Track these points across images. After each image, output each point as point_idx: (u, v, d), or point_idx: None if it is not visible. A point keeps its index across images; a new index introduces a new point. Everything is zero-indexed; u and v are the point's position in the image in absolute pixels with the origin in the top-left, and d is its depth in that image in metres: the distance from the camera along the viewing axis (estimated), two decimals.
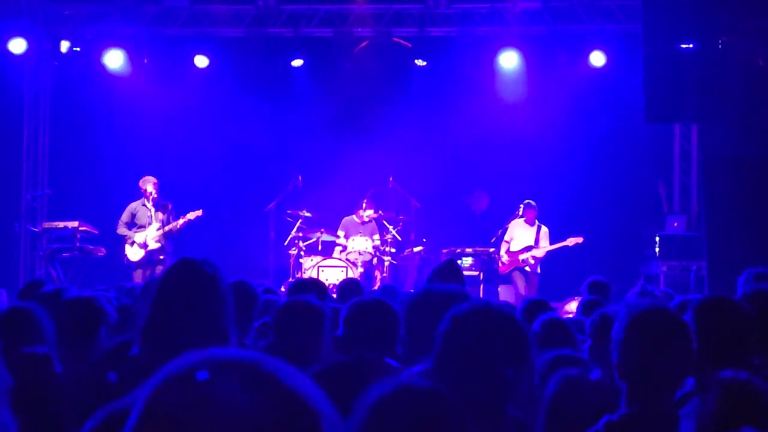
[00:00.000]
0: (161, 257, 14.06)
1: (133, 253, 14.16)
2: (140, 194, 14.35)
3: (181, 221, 14.13)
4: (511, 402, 2.84)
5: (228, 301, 3.41)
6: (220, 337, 3.31)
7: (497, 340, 2.78)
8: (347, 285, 7.83)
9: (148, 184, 14.22)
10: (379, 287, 11.68)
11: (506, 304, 8.04)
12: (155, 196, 14.22)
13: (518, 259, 14.94)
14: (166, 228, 14.08)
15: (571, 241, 14.82)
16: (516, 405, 2.89)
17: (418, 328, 3.50)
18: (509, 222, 15.17)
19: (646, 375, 3.17)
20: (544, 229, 15.09)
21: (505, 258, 15.03)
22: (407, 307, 3.57)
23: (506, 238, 15.14)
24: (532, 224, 15.03)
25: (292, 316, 4.49)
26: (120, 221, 14.30)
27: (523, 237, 15.04)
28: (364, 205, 15.39)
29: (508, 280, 15.14)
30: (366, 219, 15.40)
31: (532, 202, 15.01)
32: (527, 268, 14.93)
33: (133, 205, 14.35)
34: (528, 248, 14.93)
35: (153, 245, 14.07)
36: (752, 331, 3.95)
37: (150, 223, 14.14)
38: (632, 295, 7.40)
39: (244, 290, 5.22)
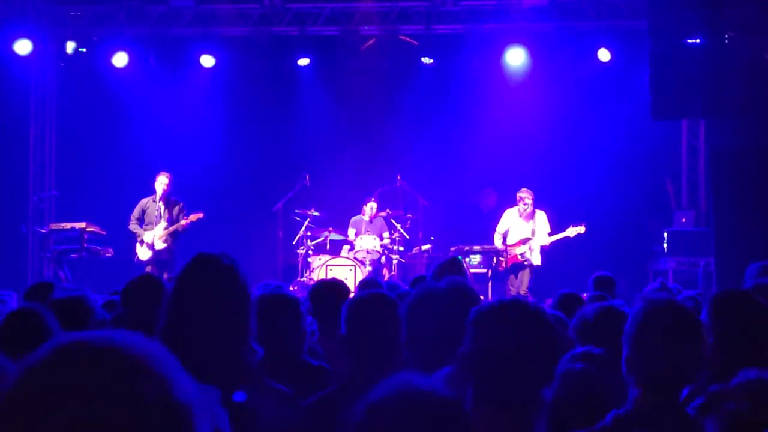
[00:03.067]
0: (168, 257, 14.00)
1: (142, 253, 14.11)
2: (152, 191, 14.27)
3: (183, 222, 14.04)
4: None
5: (248, 295, 3.26)
6: (242, 334, 3.19)
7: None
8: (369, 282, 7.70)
9: (158, 181, 14.13)
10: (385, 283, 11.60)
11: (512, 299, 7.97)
12: (164, 190, 14.06)
13: (516, 255, 14.40)
14: (171, 228, 14.03)
15: (572, 232, 14.18)
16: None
17: (419, 330, 3.43)
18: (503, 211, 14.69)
19: (656, 370, 3.14)
20: (541, 215, 14.49)
21: (503, 256, 14.43)
22: (408, 307, 3.50)
23: (499, 229, 14.56)
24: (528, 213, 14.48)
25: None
26: (132, 216, 14.25)
27: (520, 227, 14.48)
28: (371, 201, 15.36)
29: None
30: (372, 215, 15.36)
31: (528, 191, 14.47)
32: (525, 263, 14.34)
33: (144, 202, 14.24)
34: (524, 240, 14.36)
35: (159, 245, 13.99)
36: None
37: (158, 222, 14.09)
38: (651, 291, 7.35)
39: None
